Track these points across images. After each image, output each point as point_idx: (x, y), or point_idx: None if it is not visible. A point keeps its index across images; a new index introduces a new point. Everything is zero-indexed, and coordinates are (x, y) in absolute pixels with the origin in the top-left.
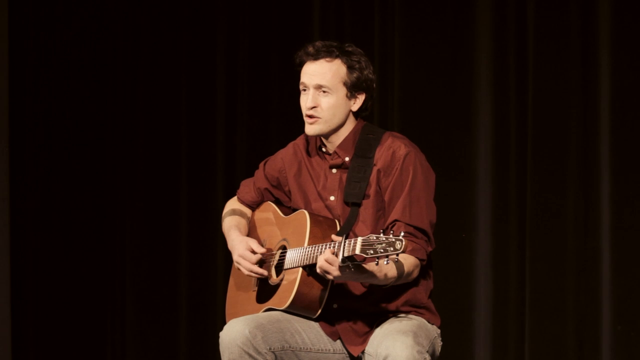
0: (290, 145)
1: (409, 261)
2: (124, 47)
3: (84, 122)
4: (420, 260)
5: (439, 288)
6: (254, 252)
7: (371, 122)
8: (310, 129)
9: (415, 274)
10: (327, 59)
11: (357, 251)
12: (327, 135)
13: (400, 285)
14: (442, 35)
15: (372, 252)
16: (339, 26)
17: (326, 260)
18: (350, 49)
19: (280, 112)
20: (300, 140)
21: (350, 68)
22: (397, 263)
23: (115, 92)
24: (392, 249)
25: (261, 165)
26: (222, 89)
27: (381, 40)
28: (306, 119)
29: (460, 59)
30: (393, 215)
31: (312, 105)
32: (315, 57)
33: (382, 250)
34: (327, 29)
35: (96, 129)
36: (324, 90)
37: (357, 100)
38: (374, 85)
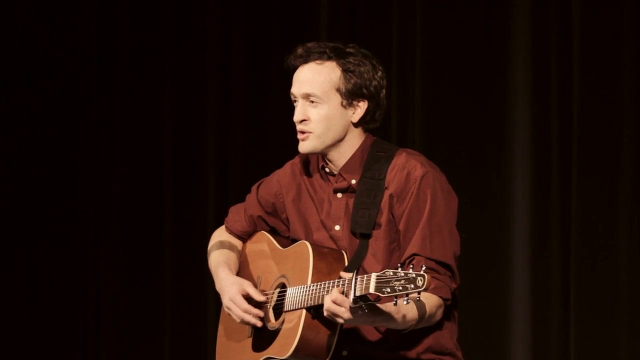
0: (288, 165)
1: (431, 301)
2: (97, 50)
3: (50, 141)
4: (444, 299)
5: (468, 331)
6: (248, 297)
7: (388, 138)
8: (302, 146)
9: (439, 315)
10: (318, 61)
11: (372, 289)
12: (327, 153)
13: (421, 329)
14: (472, 36)
15: (389, 290)
16: (349, 26)
17: (334, 301)
18: (351, 50)
19: (280, 128)
20: (299, 159)
21: (346, 72)
22: (419, 302)
23: (88, 106)
24: (412, 286)
25: (254, 188)
26: (213, 101)
27: (400, 43)
28: (298, 135)
29: (493, 64)
30: (411, 249)
31: (301, 118)
32: (306, 59)
33: (400, 288)
34: (336, 29)
35: (64, 151)
36: (312, 100)
37: (357, 109)
38: (383, 91)
